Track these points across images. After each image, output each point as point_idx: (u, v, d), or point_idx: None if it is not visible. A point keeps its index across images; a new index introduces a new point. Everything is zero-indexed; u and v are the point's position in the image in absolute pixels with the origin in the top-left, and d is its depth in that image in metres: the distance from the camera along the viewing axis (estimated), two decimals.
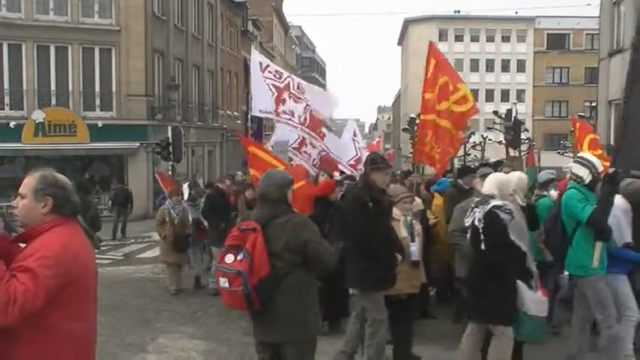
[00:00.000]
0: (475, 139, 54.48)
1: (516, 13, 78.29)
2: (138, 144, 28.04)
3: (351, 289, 11.22)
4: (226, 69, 43.26)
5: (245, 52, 49.35)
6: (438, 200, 10.45)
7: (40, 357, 3.23)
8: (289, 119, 11.80)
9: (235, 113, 45.83)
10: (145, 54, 28.53)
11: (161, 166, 26.63)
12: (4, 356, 3.21)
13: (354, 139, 15.12)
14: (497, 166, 8.93)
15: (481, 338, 6.58)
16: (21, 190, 3.42)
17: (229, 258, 4.76)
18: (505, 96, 75.69)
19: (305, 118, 11.93)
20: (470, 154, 51.30)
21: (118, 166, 28.83)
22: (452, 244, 8.19)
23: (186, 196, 13.92)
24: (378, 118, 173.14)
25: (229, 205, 12.33)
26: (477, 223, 6.30)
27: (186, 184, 16.65)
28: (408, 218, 7.85)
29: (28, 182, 3.42)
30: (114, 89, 28.28)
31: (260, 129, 47.30)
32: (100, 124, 27.29)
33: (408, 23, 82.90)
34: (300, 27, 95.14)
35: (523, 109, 69.42)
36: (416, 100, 72.85)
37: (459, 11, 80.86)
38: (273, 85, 11.69)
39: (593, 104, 34.51)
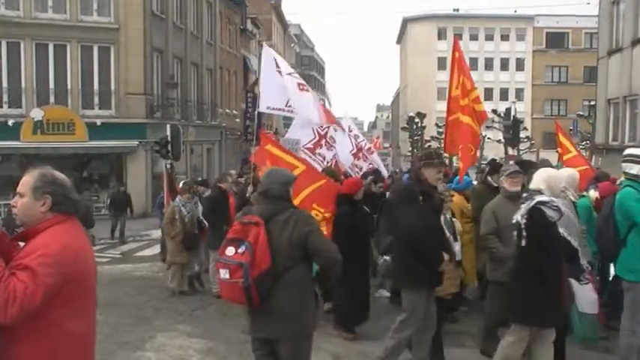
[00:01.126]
0: None
1: (515, 11, 78.38)
2: (136, 142, 28.02)
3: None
4: (225, 67, 43.23)
5: (244, 50, 49.34)
6: (456, 199, 10.16)
7: (40, 355, 3.23)
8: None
9: (234, 112, 45.81)
10: (143, 52, 28.50)
11: (159, 164, 26.61)
12: (6, 355, 3.20)
13: (349, 134, 14.80)
14: (528, 167, 8.49)
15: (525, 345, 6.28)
16: (19, 188, 3.41)
17: (230, 250, 4.79)
18: (504, 95, 75.76)
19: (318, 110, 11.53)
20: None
21: (116, 165, 28.82)
22: (485, 247, 7.67)
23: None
24: (376, 117, 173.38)
25: (232, 206, 11.90)
26: (519, 219, 6.06)
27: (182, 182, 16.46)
28: (448, 217, 7.83)
29: (27, 181, 3.41)
30: (112, 87, 28.25)
31: (258, 127, 47.27)
32: (98, 122, 27.26)
33: (407, 22, 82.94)
34: (299, 25, 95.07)
35: (522, 108, 69.48)
36: (415, 98, 73.01)
37: (457, 10, 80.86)
38: (289, 80, 11.18)
39: (592, 103, 34.56)
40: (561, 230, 5.97)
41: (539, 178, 6.26)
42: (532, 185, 6.30)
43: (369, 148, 16.24)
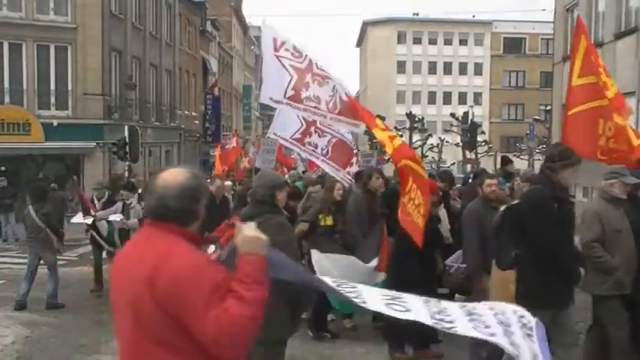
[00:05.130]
0: (433, 141, 55.06)
1: (474, 16, 79.21)
2: (94, 144, 27.66)
3: None
4: (184, 69, 42.98)
5: (204, 52, 49.10)
6: None
7: None
8: (315, 107, 9.75)
9: (193, 113, 45.55)
10: (101, 52, 28.16)
11: (117, 166, 26.34)
12: None
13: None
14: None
15: None
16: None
17: (211, 248, 4.85)
18: (462, 98, 76.54)
19: (334, 103, 9.82)
20: (427, 156, 51.83)
21: (73, 166, 28.42)
22: (588, 257, 6.60)
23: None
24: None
25: (222, 211, 10.43)
26: None
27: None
28: None
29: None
30: (70, 88, 27.86)
31: (218, 129, 47.16)
32: (55, 122, 26.86)
33: (366, 25, 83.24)
34: (259, 27, 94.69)
35: (480, 112, 70.38)
36: (374, 101, 73.31)
37: (417, 14, 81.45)
38: (292, 67, 9.70)
39: (548, 108, 35.10)
40: None
41: None
42: None
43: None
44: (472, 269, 7.68)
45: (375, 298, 3.05)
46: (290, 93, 9.50)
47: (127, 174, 23.16)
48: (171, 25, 39.84)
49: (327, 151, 11.25)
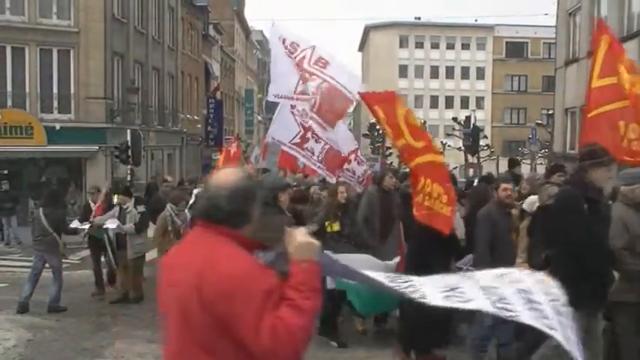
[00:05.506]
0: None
1: (476, 21, 79.29)
2: (96, 147, 27.66)
3: None
4: (187, 73, 43.01)
5: (206, 56, 49.15)
6: None
7: None
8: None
9: (195, 117, 45.57)
10: (104, 56, 28.18)
11: (120, 169, 26.37)
12: None
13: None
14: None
15: None
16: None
17: None
18: (464, 103, 76.60)
19: (315, 102, 9.95)
20: None
21: (76, 170, 28.43)
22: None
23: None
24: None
25: None
26: None
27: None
28: None
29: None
30: (72, 91, 27.87)
31: (220, 133, 47.19)
32: (57, 126, 26.87)
33: (368, 29, 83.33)
34: (261, 31, 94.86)
35: (482, 116, 70.38)
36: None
37: (419, 18, 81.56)
38: (296, 63, 9.77)
39: (550, 112, 35.11)
40: None
41: None
42: None
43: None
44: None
45: (433, 292, 2.94)
46: (300, 88, 9.66)
47: (129, 177, 23.19)
48: (174, 29, 39.88)
49: (322, 158, 11.19)
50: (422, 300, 2.89)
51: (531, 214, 7.83)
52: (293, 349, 2.54)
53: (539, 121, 46.05)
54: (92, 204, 13.20)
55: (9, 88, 27.01)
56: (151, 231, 12.20)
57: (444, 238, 7.48)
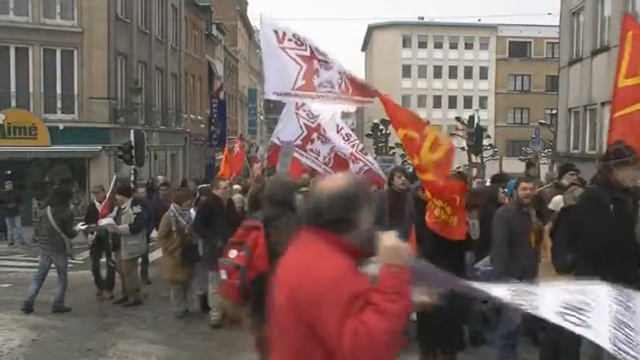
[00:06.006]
0: None
1: (479, 20, 79.16)
2: (100, 147, 27.70)
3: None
4: (190, 73, 43.04)
5: (209, 56, 49.17)
6: None
7: None
8: (329, 91, 9.17)
9: (199, 117, 45.61)
10: (107, 56, 28.22)
11: (123, 170, 26.39)
12: None
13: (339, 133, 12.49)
14: None
15: None
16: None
17: (233, 253, 4.95)
18: (468, 102, 76.48)
19: (346, 85, 9.25)
20: None
21: (79, 170, 28.47)
22: None
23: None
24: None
25: (229, 216, 9.91)
26: None
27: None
28: None
29: None
30: (76, 91, 27.91)
31: (224, 133, 47.22)
32: (61, 126, 26.90)
33: (372, 29, 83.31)
34: None
35: (485, 116, 70.22)
36: (379, 105, 73.55)
37: (422, 18, 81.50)
38: (299, 56, 9.16)
39: (554, 112, 35.06)
40: None
41: None
42: None
43: (363, 149, 13.56)
44: (498, 273, 7.39)
45: (549, 307, 2.75)
46: (300, 83, 9.05)
47: (132, 178, 23.21)
48: (177, 29, 39.91)
49: (329, 160, 11.25)
50: (534, 312, 2.76)
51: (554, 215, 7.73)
52: (374, 353, 2.51)
53: (543, 121, 45.92)
54: (97, 203, 13.09)
55: (13, 88, 27.05)
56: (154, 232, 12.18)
57: (456, 242, 7.20)
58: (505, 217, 7.62)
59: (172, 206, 10.96)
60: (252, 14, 74.14)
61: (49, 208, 11.53)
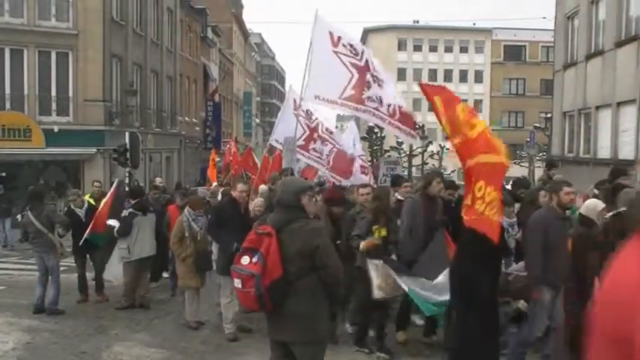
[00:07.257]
0: (433, 148, 55.07)
1: (474, 24, 79.38)
2: (95, 149, 27.67)
3: None
4: (185, 75, 43.03)
5: (205, 58, 49.17)
6: None
7: None
8: (375, 109, 9.05)
9: (194, 120, 45.60)
10: (102, 58, 28.18)
11: (118, 172, 26.34)
12: None
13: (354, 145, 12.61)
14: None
15: None
16: None
17: (245, 260, 4.93)
18: None
19: (394, 109, 9.20)
20: (427, 164, 51.83)
21: (74, 172, 28.42)
22: None
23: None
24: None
25: (244, 220, 9.38)
26: None
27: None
28: None
29: None
30: (71, 94, 27.87)
31: (219, 135, 47.21)
32: (56, 128, 26.85)
33: (367, 33, 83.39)
34: (260, 34, 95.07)
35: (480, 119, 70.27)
36: None
37: (418, 21, 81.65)
38: (352, 64, 8.95)
39: (549, 115, 35.14)
40: None
41: None
42: None
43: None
44: (532, 279, 7.22)
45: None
46: (349, 92, 8.87)
47: (127, 180, 23.17)
48: (172, 32, 39.90)
49: (329, 161, 11.18)
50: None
51: (582, 219, 7.39)
52: None
53: (538, 125, 46.01)
54: (77, 210, 12.73)
55: (7, 90, 26.99)
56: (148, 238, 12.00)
57: (493, 247, 6.67)
58: (541, 224, 7.30)
59: (186, 211, 10.60)
60: (248, 17, 74.25)
61: (29, 212, 11.42)
